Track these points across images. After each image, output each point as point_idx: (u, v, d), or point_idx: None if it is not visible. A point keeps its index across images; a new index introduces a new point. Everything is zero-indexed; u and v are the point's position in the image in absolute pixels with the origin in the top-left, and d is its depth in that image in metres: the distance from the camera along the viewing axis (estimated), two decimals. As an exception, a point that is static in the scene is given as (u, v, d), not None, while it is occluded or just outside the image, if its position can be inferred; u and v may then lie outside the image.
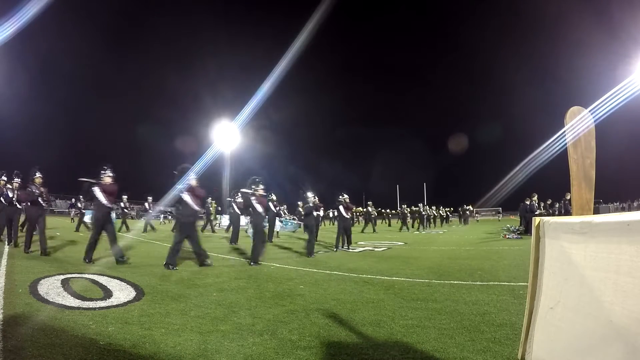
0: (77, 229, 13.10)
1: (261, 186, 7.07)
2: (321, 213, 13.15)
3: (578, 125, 2.14)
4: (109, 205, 6.23)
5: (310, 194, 9.47)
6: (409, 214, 22.51)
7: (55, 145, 35.45)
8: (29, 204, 7.15)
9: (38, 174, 7.06)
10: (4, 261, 5.76)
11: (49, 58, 38.77)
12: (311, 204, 9.32)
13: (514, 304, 3.63)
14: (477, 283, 4.77)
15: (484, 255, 7.87)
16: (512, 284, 4.64)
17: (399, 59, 76.28)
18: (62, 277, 4.64)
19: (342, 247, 9.62)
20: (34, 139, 35.91)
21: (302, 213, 9.58)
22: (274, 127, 49.95)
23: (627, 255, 1.35)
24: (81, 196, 6.70)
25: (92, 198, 6.22)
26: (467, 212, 29.25)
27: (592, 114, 2.20)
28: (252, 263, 6.51)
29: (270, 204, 13.19)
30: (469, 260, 7.16)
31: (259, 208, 6.92)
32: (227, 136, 29.86)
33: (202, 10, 64.47)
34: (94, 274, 4.99)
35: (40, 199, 6.96)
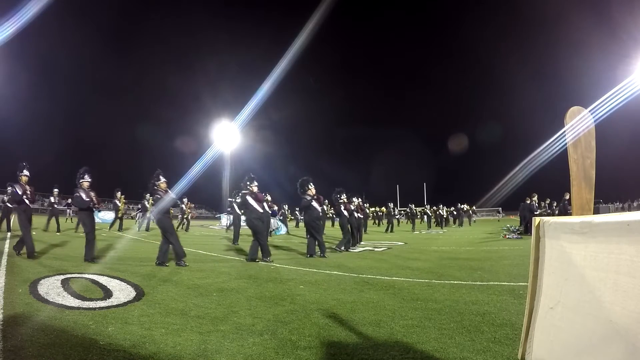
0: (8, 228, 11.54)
1: (344, 195, 9.25)
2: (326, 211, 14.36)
3: (578, 125, 2.14)
4: (262, 210, 7.33)
5: (355, 199, 11.16)
6: (430, 213, 24.07)
7: (56, 145, 35.42)
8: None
9: (26, 172, 6.59)
10: (4, 261, 5.76)
11: (49, 58, 38.77)
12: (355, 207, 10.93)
13: (514, 304, 3.63)
14: (477, 283, 4.77)
15: (484, 255, 7.87)
16: (512, 284, 4.64)
17: (399, 59, 76.32)
18: (62, 277, 4.64)
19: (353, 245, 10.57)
20: (34, 139, 35.88)
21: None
22: (274, 127, 50.03)
23: (627, 255, 1.35)
24: (238, 207, 8.41)
25: (247, 207, 7.19)
26: (462, 211, 27.71)
27: (592, 114, 2.20)
28: (341, 248, 8.28)
29: (265, 204, 13.27)
30: (469, 260, 7.15)
31: (346, 213, 9.08)
32: (227, 136, 29.87)
33: (202, 10, 64.48)
34: (94, 274, 4.99)
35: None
